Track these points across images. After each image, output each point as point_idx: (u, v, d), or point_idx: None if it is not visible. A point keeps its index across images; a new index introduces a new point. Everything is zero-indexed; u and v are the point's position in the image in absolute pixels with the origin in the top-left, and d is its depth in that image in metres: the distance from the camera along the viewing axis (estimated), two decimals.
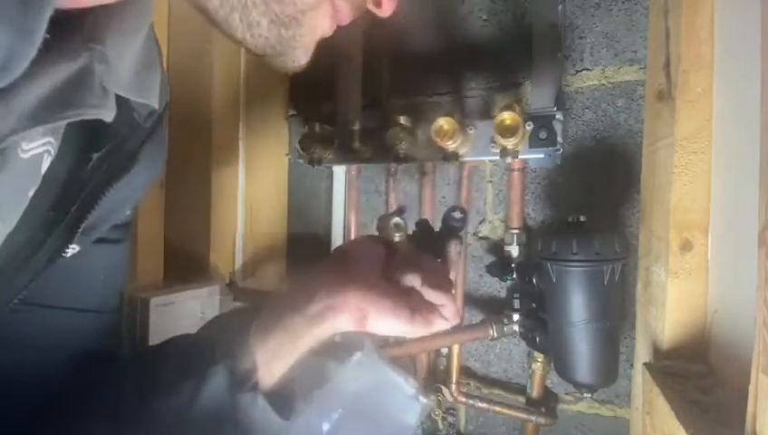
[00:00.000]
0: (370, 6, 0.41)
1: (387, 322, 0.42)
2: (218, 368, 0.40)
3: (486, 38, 0.88)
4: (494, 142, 0.77)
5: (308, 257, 1.04)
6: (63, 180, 0.36)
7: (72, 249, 0.38)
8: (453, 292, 0.47)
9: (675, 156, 0.60)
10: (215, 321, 0.48)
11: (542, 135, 0.76)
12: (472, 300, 0.89)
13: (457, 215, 0.50)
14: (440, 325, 0.44)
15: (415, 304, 0.43)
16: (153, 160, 0.44)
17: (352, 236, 0.95)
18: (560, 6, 0.79)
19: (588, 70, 0.80)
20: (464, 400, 0.85)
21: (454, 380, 0.85)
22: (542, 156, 0.78)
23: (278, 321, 0.43)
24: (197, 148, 0.95)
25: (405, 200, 0.94)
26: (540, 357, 0.80)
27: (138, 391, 0.42)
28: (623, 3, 0.78)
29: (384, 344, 0.83)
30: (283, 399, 0.43)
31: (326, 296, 0.43)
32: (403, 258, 0.47)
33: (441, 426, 0.88)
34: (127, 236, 0.47)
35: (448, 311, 0.44)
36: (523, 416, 0.81)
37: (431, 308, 0.44)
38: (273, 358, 0.42)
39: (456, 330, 0.86)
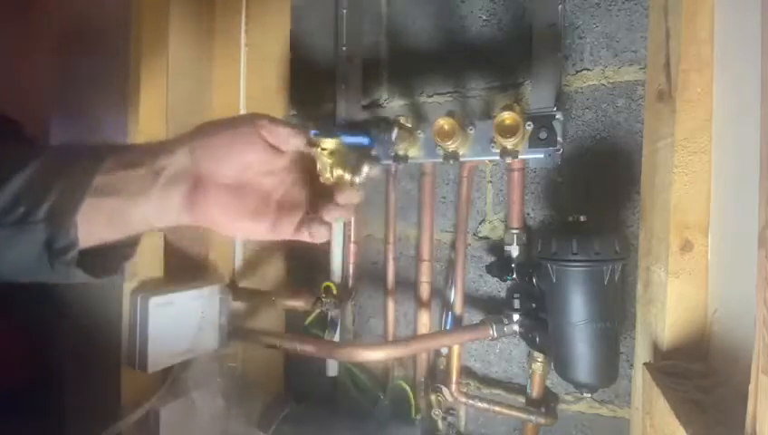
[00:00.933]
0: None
1: (239, 224, 0.43)
2: (37, 227, 0.38)
3: (486, 38, 0.88)
4: (494, 142, 0.77)
5: (308, 257, 1.04)
6: None
7: None
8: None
9: (675, 156, 0.60)
10: (61, 153, 0.43)
11: (542, 135, 0.76)
12: (472, 300, 0.89)
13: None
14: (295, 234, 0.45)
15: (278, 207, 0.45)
16: None
17: (352, 237, 0.96)
18: (560, 6, 0.80)
19: (588, 70, 0.80)
20: (464, 400, 0.85)
21: (454, 380, 0.85)
22: (542, 156, 0.78)
23: (124, 177, 0.41)
24: None
25: (405, 200, 0.95)
26: (540, 357, 0.80)
27: None
28: (623, 3, 0.78)
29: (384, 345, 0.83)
30: (101, 259, 0.42)
31: (193, 161, 0.42)
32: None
33: (441, 426, 0.88)
34: None
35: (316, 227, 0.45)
36: (523, 416, 0.81)
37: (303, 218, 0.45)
38: (103, 228, 0.41)
39: (456, 330, 0.86)
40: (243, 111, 1.02)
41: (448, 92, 0.91)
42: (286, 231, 0.46)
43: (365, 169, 0.45)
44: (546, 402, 0.82)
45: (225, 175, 0.43)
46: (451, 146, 0.78)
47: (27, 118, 0.84)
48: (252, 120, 0.44)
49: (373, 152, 0.48)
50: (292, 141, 0.45)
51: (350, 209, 0.46)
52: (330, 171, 0.45)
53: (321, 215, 0.46)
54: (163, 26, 0.85)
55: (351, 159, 0.45)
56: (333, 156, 0.45)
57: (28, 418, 0.82)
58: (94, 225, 0.40)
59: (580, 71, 0.81)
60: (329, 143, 0.45)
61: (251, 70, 1.02)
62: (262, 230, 0.45)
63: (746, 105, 0.51)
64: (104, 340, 0.79)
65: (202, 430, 0.84)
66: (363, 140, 0.46)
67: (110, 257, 0.44)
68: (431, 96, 0.93)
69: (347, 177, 0.45)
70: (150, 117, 0.83)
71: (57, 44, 0.86)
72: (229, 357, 0.96)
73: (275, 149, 0.45)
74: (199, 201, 0.43)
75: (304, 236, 0.46)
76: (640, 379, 0.64)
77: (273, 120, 0.45)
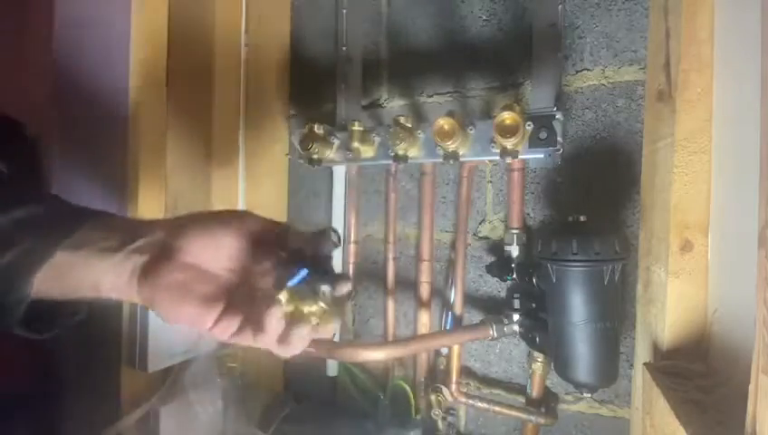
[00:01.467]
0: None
1: (184, 310, 0.40)
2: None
3: (486, 38, 0.88)
4: (494, 142, 0.77)
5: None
6: None
7: None
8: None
9: (675, 156, 0.60)
10: (45, 205, 0.42)
11: (542, 135, 0.76)
12: (472, 300, 0.89)
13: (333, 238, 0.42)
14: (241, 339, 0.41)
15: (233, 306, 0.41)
16: None
17: (352, 237, 0.95)
18: (560, 6, 0.80)
19: (588, 70, 0.80)
20: (464, 400, 0.85)
21: (454, 380, 0.85)
22: (542, 156, 0.78)
23: (92, 238, 0.40)
24: (197, 148, 0.95)
25: (405, 200, 0.95)
26: (540, 357, 0.80)
27: None
28: (623, 3, 0.78)
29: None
30: (47, 312, 0.41)
31: (165, 235, 0.40)
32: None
33: (441, 426, 0.88)
34: None
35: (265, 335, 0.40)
36: (523, 416, 0.81)
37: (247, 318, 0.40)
38: (53, 283, 0.40)
39: (456, 330, 0.86)
40: (243, 112, 1.02)
41: (448, 92, 0.91)
42: (229, 329, 0.41)
43: (322, 293, 0.40)
44: (546, 402, 0.82)
45: (188, 253, 0.41)
46: (451, 146, 0.78)
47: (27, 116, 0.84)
48: (242, 213, 0.44)
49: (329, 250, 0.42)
50: (272, 233, 0.42)
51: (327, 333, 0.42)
52: (298, 312, 0.41)
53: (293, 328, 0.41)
54: (163, 26, 0.85)
55: (307, 293, 0.40)
56: (293, 301, 0.40)
57: (28, 417, 0.82)
58: (45, 278, 0.39)
59: (581, 71, 0.81)
60: (282, 296, 0.40)
61: (251, 70, 1.02)
62: (205, 321, 0.41)
63: (746, 105, 0.51)
64: (104, 340, 0.79)
65: (202, 431, 0.84)
66: (303, 274, 0.40)
67: (56, 312, 0.43)
68: (431, 96, 0.93)
69: (313, 312, 0.40)
70: (151, 115, 0.83)
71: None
72: (229, 357, 0.96)
73: (251, 243, 0.42)
74: (152, 273, 0.40)
75: (247, 338, 0.41)
76: (640, 379, 0.64)
77: (255, 215, 0.44)
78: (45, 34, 0.86)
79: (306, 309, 0.40)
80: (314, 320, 0.41)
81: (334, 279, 0.40)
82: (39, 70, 0.88)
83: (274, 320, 0.40)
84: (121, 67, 0.79)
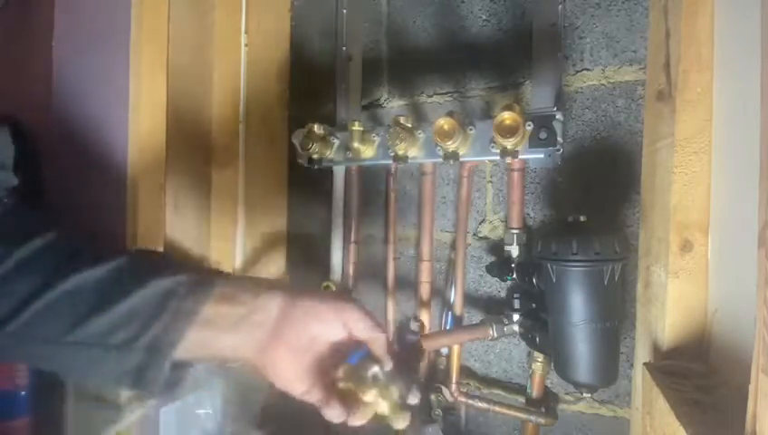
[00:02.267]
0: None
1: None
2: (135, 354, 0.42)
3: (486, 38, 0.88)
4: (494, 142, 0.77)
5: (308, 257, 1.04)
6: None
7: None
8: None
9: (675, 156, 0.60)
10: (171, 277, 0.47)
11: (542, 135, 0.76)
12: (472, 300, 0.89)
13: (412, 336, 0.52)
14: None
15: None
16: None
17: (352, 237, 0.95)
18: (560, 6, 0.80)
19: (588, 70, 0.80)
20: (464, 400, 0.85)
21: (454, 380, 0.85)
22: (542, 156, 0.78)
23: (224, 312, 0.46)
24: (197, 148, 0.95)
25: (405, 200, 0.95)
26: (540, 357, 0.80)
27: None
28: (623, 3, 0.78)
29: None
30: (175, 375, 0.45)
31: (279, 316, 0.48)
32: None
33: (441, 426, 0.88)
34: None
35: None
36: (523, 416, 0.81)
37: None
38: (187, 353, 0.44)
39: (456, 330, 0.86)
40: (243, 111, 1.02)
41: (448, 92, 0.91)
42: (311, 399, 0.49)
43: (374, 375, 0.49)
44: (546, 402, 0.82)
45: (295, 332, 0.48)
46: (451, 146, 0.78)
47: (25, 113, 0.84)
48: (349, 305, 0.50)
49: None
50: (369, 333, 0.50)
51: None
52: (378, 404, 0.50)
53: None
54: (163, 26, 0.85)
55: (392, 391, 0.50)
56: (351, 380, 0.50)
57: (28, 417, 0.82)
58: (181, 349, 0.44)
59: (580, 71, 0.81)
60: (370, 394, 0.49)
61: (251, 70, 1.02)
62: (296, 389, 0.49)
63: (746, 105, 0.51)
64: None
65: (201, 431, 0.84)
66: (359, 354, 0.51)
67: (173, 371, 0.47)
68: (431, 96, 0.93)
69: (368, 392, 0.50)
70: (150, 114, 0.83)
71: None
72: None
73: (348, 334, 0.50)
74: (267, 348, 0.47)
75: (322, 407, 0.49)
76: (640, 379, 0.64)
77: (360, 310, 0.51)
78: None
79: (362, 389, 0.49)
80: (371, 398, 0.49)
81: (404, 381, 0.50)
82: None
83: (335, 409, 0.49)
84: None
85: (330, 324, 0.49)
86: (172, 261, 0.49)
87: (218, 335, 0.45)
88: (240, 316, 0.47)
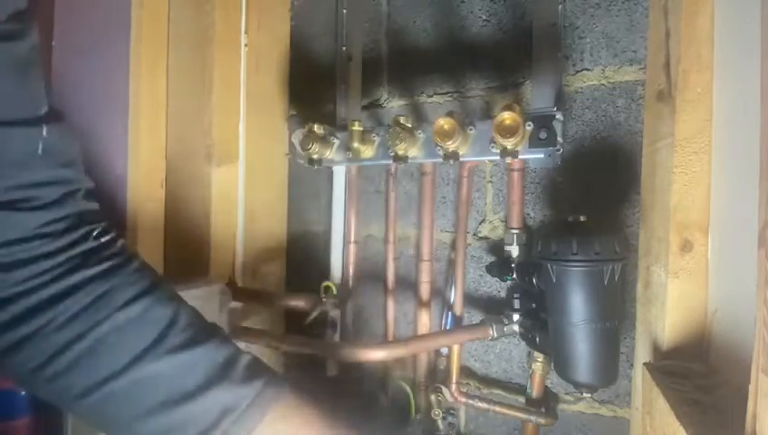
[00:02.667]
0: None
1: None
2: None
3: (486, 38, 0.88)
4: (494, 142, 0.77)
5: (308, 257, 1.04)
6: None
7: None
8: None
9: (675, 156, 0.60)
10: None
11: (542, 135, 0.76)
12: (472, 300, 0.89)
13: None
14: None
15: None
16: None
17: (352, 237, 0.95)
18: (560, 6, 0.80)
19: (588, 70, 0.80)
20: (464, 400, 0.85)
21: (454, 380, 0.85)
22: (542, 156, 0.78)
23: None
24: (197, 148, 0.95)
25: (405, 200, 0.95)
26: (540, 357, 0.80)
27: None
28: (623, 3, 0.78)
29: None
30: None
31: None
32: None
33: (441, 426, 0.88)
34: (29, 24, 0.40)
35: None
36: (523, 416, 0.81)
37: None
38: None
39: (456, 330, 0.86)
40: (243, 112, 1.02)
41: (448, 92, 0.91)
42: None
43: None
44: (546, 402, 0.82)
45: None
46: (451, 146, 0.78)
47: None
48: None
49: None
50: None
51: None
52: None
53: None
54: (163, 26, 0.85)
55: None
56: None
57: (28, 417, 0.82)
58: None
59: (580, 71, 0.81)
60: None
61: (251, 70, 1.02)
62: None
63: (746, 105, 0.51)
64: None
65: None
66: None
67: None
68: (431, 96, 0.93)
69: None
70: (150, 114, 0.83)
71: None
72: None
73: None
74: None
75: None
76: (640, 379, 0.64)
77: None
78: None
79: None
80: None
81: None
82: None
83: None
84: None
85: None
86: (244, 360, 0.46)
87: None
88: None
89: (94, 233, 0.43)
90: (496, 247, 0.87)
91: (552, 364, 0.75)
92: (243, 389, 0.44)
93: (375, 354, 0.78)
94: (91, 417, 0.43)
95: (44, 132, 0.40)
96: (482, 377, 0.89)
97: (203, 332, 0.45)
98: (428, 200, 0.89)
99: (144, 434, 0.42)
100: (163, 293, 0.45)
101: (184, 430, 0.41)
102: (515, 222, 0.81)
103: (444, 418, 0.88)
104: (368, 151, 0.88)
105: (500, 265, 0.81)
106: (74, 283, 0.41)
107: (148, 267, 0.47)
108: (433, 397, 0.87)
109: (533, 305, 0.77)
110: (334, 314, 0.94)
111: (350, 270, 0.96)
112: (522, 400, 0.85)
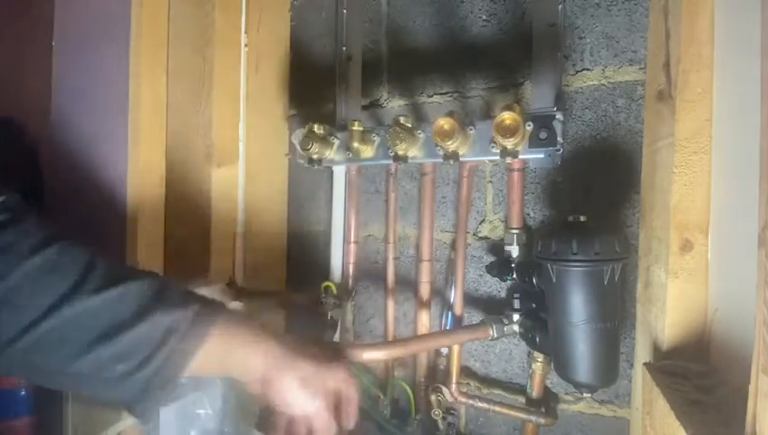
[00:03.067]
0: None
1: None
2: (144, 376, 0.44)
3: (486, 38, 0.88)
4: (494, 142, 0.77)
5: (308, 257, 1.04)
6: None
7: None
8: None
9: (675, 156, 0.60)
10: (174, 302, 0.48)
11: (542, 135, 0.76)
12: (472, 300, 0.89)
13: None
14: None
15: None
16: None
17: (352, 237, 0.95)
18: (560, 6, 0.80)
19: (588, 70, 0.80)
20: (464, 400, 0.85)
21: (454, 380, 0.85)
22: (542, 156, 0.78)
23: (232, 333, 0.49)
24: (197, 148, 0.95)
25: (405, 200, 0.95)
26: (540, 357, 0.80)
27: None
28: (623, 3, 0.78)
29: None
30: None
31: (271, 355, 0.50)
32: None
33: (441, 426, 0.88)
34: None
35: None
36: (523, 416, 0.81)
37: None
38: (198, 369, 0.47)
39: (456, 330, 0.86)
40: (243, 112, 1.02)
41: (448, 92, 0.91)
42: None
43: None
44: (546, 402, 0.82)
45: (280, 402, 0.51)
46: (451, 146, 0.78)
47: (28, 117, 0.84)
48: (338, 371, 0.52)
49: None
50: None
51: None
52: None
53: None
54: (163, 25, 0.85)
55: None
56: None
57: (29, 417, 0.82)
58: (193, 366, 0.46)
59: (581, 71, 0.81)
60: None
61: (251, 70, 1.02)
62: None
63: (746, 105, 0.51)
64: None
65: (201, 431, 0.84)
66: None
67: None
68: (431, 96, 0.93)
69: None
70: (150, 114, 0.83)
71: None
72: None
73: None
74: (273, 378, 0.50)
75: None
76: (640, 379, 0.64)
77: (350, 387, 0.53)
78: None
79: None
80: None
81: None
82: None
83: None
84: None
85: (302, 400, 0.50)
86: (174, 289, 0.49)
87: (210, 374, 0.46)
88: (229, 366, 0.50)
89: None
90: (496, 247, 0.87)
91: (552, 364, 0.74)
92: (180, 311, 0.46)
93: (375, 354, 0.78)
94: (26, 365, 0.44)
95: None
96: (482, 377, 0.89)
97: (126, 271, 0.47)
98: (428, 200, 0.89)
99: (88, 369, 0.43)
100: (74, 242, 0.46)
101: (130, 356, 0.43)
102: (515, 222, 0.81)
103: (444, 418, 0.88)
104: (368, 151, 0.88)
105: (500, 265, 0.81)
106: None
107: (54, 224, 0.48)
108: (433, 397, 0.87)
109: (533, 305, 0.77)
110: (334, 314, 0.94)
111: (351, 270, 0.96)
112: (522, 400, 0.85)
